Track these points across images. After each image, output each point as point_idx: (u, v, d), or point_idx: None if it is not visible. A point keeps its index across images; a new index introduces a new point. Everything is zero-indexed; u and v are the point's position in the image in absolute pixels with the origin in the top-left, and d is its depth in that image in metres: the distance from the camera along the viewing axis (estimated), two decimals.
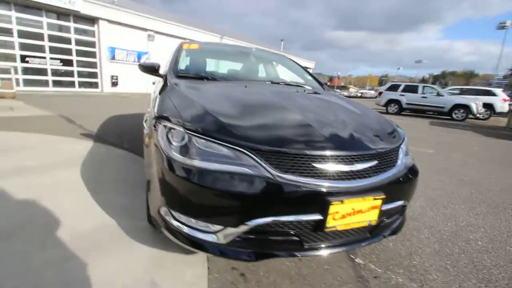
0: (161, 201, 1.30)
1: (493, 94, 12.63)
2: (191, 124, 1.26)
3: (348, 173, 1.19)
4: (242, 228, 1.13)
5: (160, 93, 1.86)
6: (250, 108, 1.51)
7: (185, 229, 1.23)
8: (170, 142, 1.25)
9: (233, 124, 1.25)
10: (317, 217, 1.13)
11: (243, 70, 2.60)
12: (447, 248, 1.78)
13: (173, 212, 1.26)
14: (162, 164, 1.23)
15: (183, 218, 1.23)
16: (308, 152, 1.16)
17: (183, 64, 2.32)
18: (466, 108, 11.10)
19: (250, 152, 1.14)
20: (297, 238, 1.18)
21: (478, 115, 11.52)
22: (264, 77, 2.62)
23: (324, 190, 1.12)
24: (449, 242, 1.85)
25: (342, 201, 1.13)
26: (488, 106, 12.26)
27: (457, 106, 11.25)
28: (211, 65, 2.55)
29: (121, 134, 4.26)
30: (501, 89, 14.22)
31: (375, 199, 1.19)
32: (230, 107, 1.44)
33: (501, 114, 12.73)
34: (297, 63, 2.92)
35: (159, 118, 1.39)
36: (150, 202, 1.45)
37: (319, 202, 1.12)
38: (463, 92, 13.56)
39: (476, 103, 11.16)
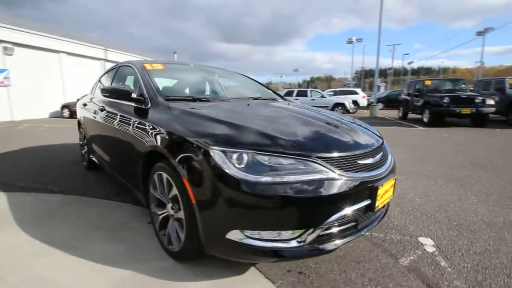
0: (229, 226, 1.29)
1: (356, 93, 16.56)
2: (251, 144, 1.32)
3: (375, 164, 1.53)
4: (322, 228, 1.29)
5: (150, 120, 1.77)
6: (283, 122, 1.65)
7: (259, 244, 1.28)
8: (236, 166, 1.27)
9: (289, 138, 1.39)
10: (369, 201, 1.43)
11: (221, 90, 2.63)
12: (405, 208, 2.45)
13: (246, 232, 1.28)
14: (233, 189, 1.24)
15: (258, 234, 1.28)
16: (352, 152, 1.44)
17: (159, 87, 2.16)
18: (343, 105, 14.15)
19: (316, 160, 1.32)
20: (355, 223, 1.44)
21: (350, 110, 14.82)
22: (244, 95, 2.70)
23: (372, 179, 1.43)
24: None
25: (382, 185, 1.47)
26: (354, 103, 15.95)
27: (337, 105, 14.17)
28: (185, 87, 2.45)
29: (35, 174, 3.36)
30: (360, 88, 18.76)
31: (394, 179, 1.59)
32: (268, 123, 1.55)
33: (362, 107, 16.79)
34: (251, 78, 3.17)
35: (209, 145, 1.35)
36: (206, 234, 1.38)
37: (371, 189, 1.42)
38: (336, 93, 17.12)
39: (348, 101, 14.37)
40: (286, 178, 1.25)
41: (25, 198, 2.67)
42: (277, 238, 1.29)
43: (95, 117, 2.86)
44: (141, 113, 1.97)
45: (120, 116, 2.22)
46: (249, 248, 1.29)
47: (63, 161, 4.16)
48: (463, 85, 9.59)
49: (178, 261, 1.63)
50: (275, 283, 1.47)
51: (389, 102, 18.21)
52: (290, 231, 1.28)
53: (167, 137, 1.57)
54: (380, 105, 15.93)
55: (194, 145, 1.40)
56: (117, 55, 21.69)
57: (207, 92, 2.56)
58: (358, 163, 1.44)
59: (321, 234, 1.31)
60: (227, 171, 1.27)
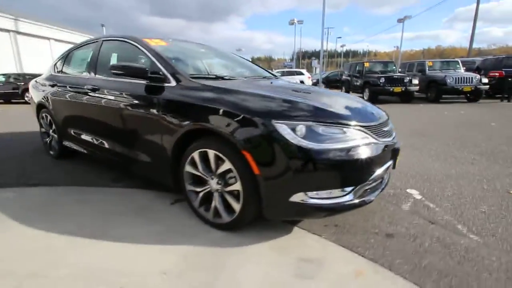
0: (293, 190, 1.46)
1: (302, 74, 17.50)
2: (308, 116, 1.49)
3: (390, 131, 1.87)
4: (368, 183, 1.57)
5: (183, 99, 1.77)
6: (317, 97, 1.82)
7: (319, 202, 1.49)
8: (299, 136, 1.43)
9: (335, 110, 1.59)
10: (392, 161, 1.76)
11: (231, 68, 2.61)
12: None
13: (309, 193, 1.48)
14: (298, 157, 1.40)
15: (319, 194, 1.49)
16: (378, 122, 1.73)
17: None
18: None
19: (361, 128, 1.56)
20: (382, 179, 1.76)
21: None
22: (250, 73, 2.69)
23: (392, 143, 1.75)
24: None
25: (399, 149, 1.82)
26: (301, 83, 16.91)
27: None
28: (191, 64, 2.37)
29: (12, 168, 2.85)
30: (305, 69, 19.86)
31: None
32: (308, 98, 1.71)
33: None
34: (240, 56, 3.21)
35: (276, 116, 1.46)
36: (269, 200, 1.52)
37: (394, 151, 1.75)
38: (283, 74, 17.79)
39: (297, 81, 15.17)
40: (341, 145, 1.47)
41: (7, 194, 2.31)
42: (333, 195, 1.52)
43: (77, 98, 2.56)
44: (162, 92, 1.90)
45: (130, 95, 2.09)
46: (311, 207, 1.49)
47: (22, 152, 3.57)
48: (394, 67, 11.12)
49: (228, 231, 1.74)
50: (321, 235, 1.73)
51: (329, 82, 19.83)
52: (345, 188, 1.52)
53: (217, 114, 1.60)
54: (322, 86, 17.28)
55: (254, 120, 1.49)
56: (34, 27, 18.24)
57: (218, 71, 2.53)
58: (383, 130, 1.75)
59: (366, 188, 1.60)
60: (292, 141, 1.42)
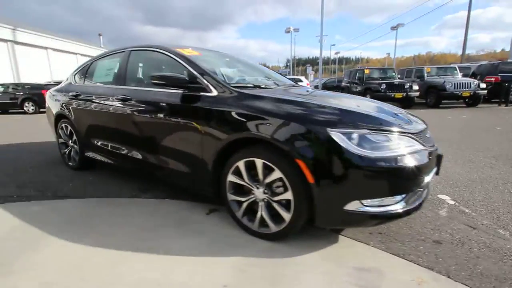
0: (348, 199, 1.46)
1: (301, 81, 17.67)
2: (361, 125, 1.50)
3: (431, 139, 1.90)
4: (419, 190, 1.58)
5: (228, 108, 1.77)
6: (363, 105, 1.83)
7: (374, 210, 1.49)
8: (355, 145, 1.44)
9: (385, 118, 1.61)
10: (436, 167, 1.77)
11: (260, 78, 2.62)
12: None
13: (364, 201, 1.48)
14: (354, 165, 1.41)
15: (373, 202, 1.48)
16: (421, 129, 1.75)
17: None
18: None
19: (410, 135, 1.58)
20: (428, 186, 1.78)
21: None
22: (277, 81, 2.68)
23: (437, 150, 1.77)
24: None
25: None
26: None
27: None
28: (226, 74, 2.38)
29: (13, 180, 2.78)
30: (303, 76, 20.10)
31: None
32: (355, 106, 1.73)
33: None
34: (261, 65, 3.24)
35: (337, 125, 1.48)
36: (323, 208, 1.51)
37: (438, 158, 1.76)
38: None
39: None
40: (393, 152, 1.48)
41: (37, 207, 2.25)
42: (386, 203, 1.52)
43: (105, 109, 2.54)
44: (202, 101, 1.90)
45: (166, 105, 2.08)
46: (365, 215, 1.49)
47: (35, 163, 3.50)
48: (393, 74, 11.33)
49: (274, 242, 1.73)
50: (369, 243, 1.72)
51: (327, 89, 20.05)
52: (397, 196, 1.53)
53: (269, 123, 1.60)
54: None
55: (309, 128, 1.49)
56: (31, 37, 18.17)
57: (248, 79, 2.54)
58: (426, 137, 1.77)
59: (415, 196, 1.61)
60: (348, 149, 1.43)
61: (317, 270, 1.48)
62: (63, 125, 3.18)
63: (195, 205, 2.27)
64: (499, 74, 10.16)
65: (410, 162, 1.49)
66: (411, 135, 1.59)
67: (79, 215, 2.13)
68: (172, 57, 2.19)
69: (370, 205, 1.49)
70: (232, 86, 1.91)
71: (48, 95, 3.50)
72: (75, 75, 3.20)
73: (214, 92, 1.90)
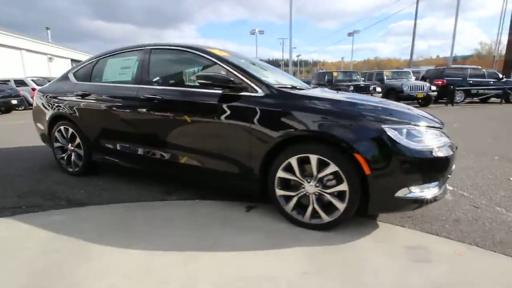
0: (398, 186, 1.67)
1: None
2: (408, 121, 1.73)
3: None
4: (448, 177, 1.85)
5: (277, 107, 1.87)
6: (393, 104, 2.08)
7: (418, 195, 1.72)
8: (405, 138, 1.65)
9: (420, 115, 1.86)
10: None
11: (285, 78, 2.71)
12: None
13: (411, 188, 1.70)
14: (405, 156, 1.62)
15: (417, 188, 1.72)
16: (443, 125, 2.05)
17: None
18: None
19: (440, 130, 1.85)
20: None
21: None
22: (299, 83, 2.80)
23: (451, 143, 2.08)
24: None
25: None
26: None
27: None
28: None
29: (15, 189, 2.48)
30: None
31: None
32: (392, 106, 1.95)
33: None
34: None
35: (388, 122, 1.67)
36: (376, 197, 1.70)
37: (455, 149, 2.07)
38: None
39: None
40: (433, 144, 1.73)
41: (58, 217, 2.07)
42: (426, 189, 1.76)
43: (125, 108, 2.44)
44: (247, 101, 1.97)
45: (207, 105, 2.09)
46: (410, 200, 1.71)
47: (28, 169, 3.13)
48: (358, 76, 12.28)
49: (325, 231, 1.87)
50: (404, 226, 1.96)
51: None
52: (434, 183, 1.78)
53: (327, 120, 1.74)
54: None
55: (365, 125, 1.67)
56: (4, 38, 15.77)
57: (279, 80, 2.61)
58: (446, 132, 2.07)
59: (444, 182, 1.88)
60: (400, 143, 1.64)
61: (376, 251, 1.66)
62: (61, 127, 2.92)
63: (230, 204, 2.30)
64: (445, 78, 11.67)
65: (444, 153, 1.75)
66: (440, 130, 1.86)
67: (113, 221, 2.03)
68: (207, 57, 2.20)
69: (415, 191, 1.71)
70: (276, 87, 2.01)
71: (37, 95, 3.16)
72: (74, 73, 2.96)
73: (260, 93, 1.97)
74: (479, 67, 12.87)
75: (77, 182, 2.81)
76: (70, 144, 2.92)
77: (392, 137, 1.64)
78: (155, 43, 2.50)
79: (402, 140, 1.65)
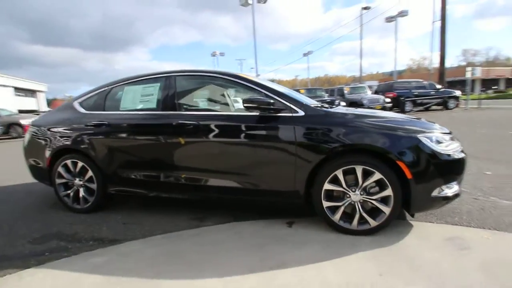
0: (433, 187, 1.93)
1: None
2: (436, 130, 2.04)
3: None
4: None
5: (324, 125, 2.06)
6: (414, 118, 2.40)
7: (448, 193, 1.99)
8: (438, 145, 1.93)
9: (438, 125, 2.17)
10: None
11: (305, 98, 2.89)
12: None
13: (442, 187, 1.97)
14: (439, 160, 1.91)
15: (447, 186, 1.99)
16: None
17: None
18: None
19: (454, 137, 2.19)
20: None
21: None
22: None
23: None
24: None
25: None
26: None
27: None
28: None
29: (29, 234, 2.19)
30: None
31: None
32: (412, 118, 2.26)
33: None
34: None
35: (421, 132, 1.95)
36: (417, 198, 1.93)
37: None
38: None
39: None
40: (454, 148, 2.04)
41: (95, 259, 1.91)
42: (450, 187, 2.05)
43: (152, 136, 2.40)
44: (290, 121, 2.11)
45: (247, 127, 2.20)
46: (441, 198, 1.98)
47: (22, 210, 2.76)
48: (322, 92, 13.28)
49: (370, 235, 2.03)
50: (432, 222, 2.23)
51: None
52: (455, 181, 2.08)
53: (374, 134, 1.96)
54: None
55: (405, 136, 1.93)
56: None
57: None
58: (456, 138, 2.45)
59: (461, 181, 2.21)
60: (433, 149, 1.92)
61: (423, 246, 1.87)
62: (68, 161, 2.69)
63: (269, 222, 2.35)
64: (394, 91, 13.25)
65: (461, 155, 2.08)
66: (451, 135, 2.21)
67: (161, 253, 1.94)
68: (240, 83, 2.32)
69: (444, 190, 1.99)
70: (313, 107, 2.20)
71: (33, 130, 2.88)
72: (80, 103, 2.79)
73: (301, 113, 2.13)
74: (421, 80, 14.91)
75: (91, 219, 2.58)
76: (78, 179, 2.70)
77: (426, 144, 1.92)
78: (180, 70, 2.54)
79: (433, 146, 1.93)
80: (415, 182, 1.91)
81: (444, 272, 1.59)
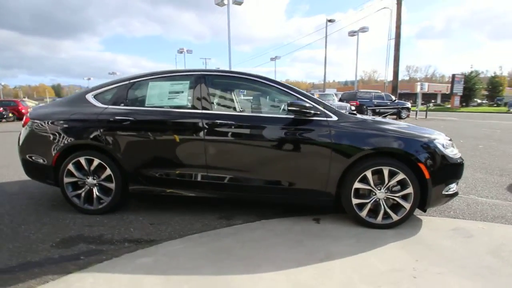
0: (445, 186, 2.28)
1: None
2: (444, 137, 2.39)
3: None
4: None
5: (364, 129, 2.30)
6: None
7: (454, 190, 2.36)
8: (448, 150, 2.29)
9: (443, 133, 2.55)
10: None
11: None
12: None
13: (450, 185, 2.34)
14: (449, 162, 2.27)
15: (452, 185, 2.36)
16: None
17: None
18: None
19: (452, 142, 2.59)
20: None
21: None
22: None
23: None
24: None
25: None
26: None
27: None
28: None
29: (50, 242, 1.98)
30: None
31: None
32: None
33: None
34: None
35: (435, 138, 2.28)
36: (433, 195, 2.24)
37: None
38: None
39: None
40: (457, 152, 2.43)
41: (141, 260, 1.85)
42: (453, 186, 2.43)
43: (190, 134, 2.42)
44: (324, 125, 2.30)
45: (281, 129, 2.35)
46: (449, 195, 2.35)
47: (23, 211, 2.44)
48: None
49: (392, 228, 2.31)
50: (435, 216, 2.60)
51: None
52: (456, 181, 2.47)
53: (399, 139, 2.24)
54: None
55: (425, 141, 2.25)
56: None
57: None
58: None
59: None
60: (445, 153, 2.28)
61: (437, 236, 2.20)
62: (80, 158, 2.49)
63: (296, 219, 2.50)
64: (358, 100, 14.43)
65: (461, 158, 2.48)
66: (451, 141, 2.62)
67: (212, 250, 1.96)
68: (275, 87, 2.44)
69: (451, 188, 2.37)
70: (344, 112, 2.42)
71: (34, 123, 2.59)
72: (95, 96, 2.60)
73: (334, 117, 2.33)
74: (379, 91, 16.48)
75: (108, 220, 2.44)
76: (91, 178, 2.52)
77: (440, 148, 2.26)
78: (212, 69, 2.56)
79: (444, 150, 2.29)
80: (432, 181, 2.23)
81: (462, 256, 1.91)
